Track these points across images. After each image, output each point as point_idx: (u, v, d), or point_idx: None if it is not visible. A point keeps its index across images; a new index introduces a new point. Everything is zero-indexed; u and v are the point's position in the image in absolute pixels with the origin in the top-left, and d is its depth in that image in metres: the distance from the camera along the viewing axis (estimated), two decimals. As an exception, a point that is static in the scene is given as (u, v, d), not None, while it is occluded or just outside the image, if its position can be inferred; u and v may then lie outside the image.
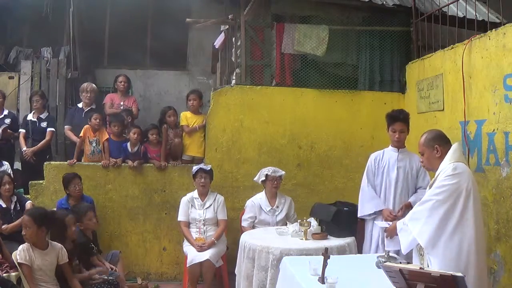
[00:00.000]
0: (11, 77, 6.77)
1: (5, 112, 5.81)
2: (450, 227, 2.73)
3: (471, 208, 2.74)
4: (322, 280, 2.74)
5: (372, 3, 5.62)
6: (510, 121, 3.68)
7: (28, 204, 4.72)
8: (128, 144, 5.34)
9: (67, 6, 6.91)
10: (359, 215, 4.24)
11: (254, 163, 5.38)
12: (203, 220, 4.73)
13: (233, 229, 5.06)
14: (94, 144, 5.35)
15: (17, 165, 5.85)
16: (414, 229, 2.84)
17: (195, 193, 4.84)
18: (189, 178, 5.11)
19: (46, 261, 3.57)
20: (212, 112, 5.47)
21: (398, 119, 4.12)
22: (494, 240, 3.78)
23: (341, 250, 3.82)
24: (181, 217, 4.79)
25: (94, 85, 6.00)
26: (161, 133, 5.44)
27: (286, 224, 4.51)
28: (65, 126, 5.82)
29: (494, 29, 3.92)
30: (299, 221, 4.09)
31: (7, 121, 5.73)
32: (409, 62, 5.50)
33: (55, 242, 3.73)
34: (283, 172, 4.83)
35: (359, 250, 4.17)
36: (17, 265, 3.56)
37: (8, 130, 5.66)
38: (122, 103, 6.01)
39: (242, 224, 4.79)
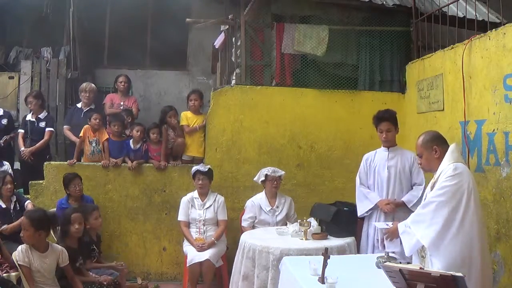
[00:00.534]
0: (11, 77, 6.77)
1: (1, 112, 5.80)
2: (454, 228, 2.72)
3: (473, 207, 2.74)
4: (322, 280, 2.74)
5: (372, 3, 5.62)
6: (510, 121, 3.68)
7: (28, 204, 4.72)
8: (131, 141, 5.35)
9: (67, 6, 6.91)
10: (358, 215, 4.26)
11: (254, 163, 5.38)
12: (203, 220, 4.73)
13: (233, 229, 5.06)
14: (94, 144, 5.35)
15: (16, 165, 5.85)
16: (418, 232, 2.82)
17: (195, 193, 4.84)
18: (189, 178, 5.12)
19: (45, 264, 3.54)
20: (212, 112, 5.47)
21: (384, 119, 4.17)
22: (494, 240, 3.78)
23: (341, 250, 3.83)
24: (181, 217, 4.79)
25: (93, 85, 6.00)
26: (162, 133, 5.44)
27: (286, 224, 4.51)
28: (64, 126, 5.82)
29: (494, 29, 3.92)
30: (299, 221, 4.09)
31: (4, 121, 5.72)
32: (409, 62, 5.50)
33: (56, 245, 3.71)
34: (283, 172, 4.83)
35: (358, 250, 4.19)
36: (17, 265, 3.56)
37: (6, 138, 5.62)
38: (122, 103, 6.01)
39: (242, 224, 4.79)
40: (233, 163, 5.44)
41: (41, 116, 5.77)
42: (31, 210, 4.34)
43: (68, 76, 6.75)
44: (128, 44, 7.65)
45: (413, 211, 4.01)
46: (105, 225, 5.21)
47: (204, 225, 4.73)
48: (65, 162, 5.30)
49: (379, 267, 2.99)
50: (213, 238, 4.62)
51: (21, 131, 5.71)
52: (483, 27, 4.51)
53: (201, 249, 4.53)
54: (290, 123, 5.52)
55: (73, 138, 5.57)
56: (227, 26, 6.07)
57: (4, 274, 3.83)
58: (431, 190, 2.89)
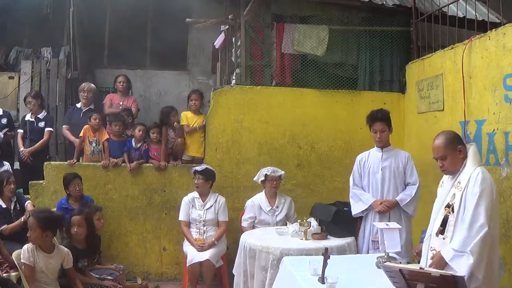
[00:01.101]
0: (11, 77, 6.78)
1: (0, 112, 5.79)
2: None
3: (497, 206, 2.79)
4: (322, 280, 2.74)
5: (372, 3, 5.62)
6: (510, 121, 3.68)
7: (28, 205, 4.71)
8: (133, 140, 5.36)
9: (67, 6, 6.93)
10: (352, 215, 4.25)
11: (254, 163, 5.38)
12: (203, 221, 4.72)
13: (233, 229, 5.05)
14: (94, 144, 5.35)
15: (16, 165, 5.84)
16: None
17: (196, 193, 4.84)
18: (189, 178, 5.12)
19: (50, 264, 3.53)
20: (212, 112, 5.47)
21: (377, 119, 4.13)
22: (494, 240, 3.77)
23: (341, 250, 3.83)
24: (181, 216, 4.78)
25: (92, 85, 5.99)
26: (162, 133, 5.43)
27: (286, 224, 4.51)
28: (63, 126, 5.81)
29: (494, 29, 3.92)
30: (299, 221, 4.09)
31: (4, 120, 5.72)
32: (409, 62, 5.50)
33: (62, 246, 3.70)
34: (283, 172, 4.83)
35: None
36: (17, 265, 3.56)
37: (8, 132, 5.64)
38: (121, 103, 6.00)
39: (242, 224, 4.79)
40: (233, 163, 5.44)
41: (41, 116, 5.76)
42: (38, 210, 4.27)
43: (68, 76, 6.76)
44: (128, 44, 7.66)
45: (405, 210, 4.04)
46: (105, 225, 5.19)
47: (204, 226, 4.72)
48: (65, 162, 5.30)
49: (379, 267, 3.00)
50: (213, 239, 4.62)
51: (20, 131, 5.71)
52: (483, 27, 4.51)
53: (201, 249, 4.53)
54: (290, 123, 5.52)
55: (72, 138, 5.56)
56: (227, 26, 6.07)
57: (4, 274, 3.83)
58: (465, 200, 2.75)
